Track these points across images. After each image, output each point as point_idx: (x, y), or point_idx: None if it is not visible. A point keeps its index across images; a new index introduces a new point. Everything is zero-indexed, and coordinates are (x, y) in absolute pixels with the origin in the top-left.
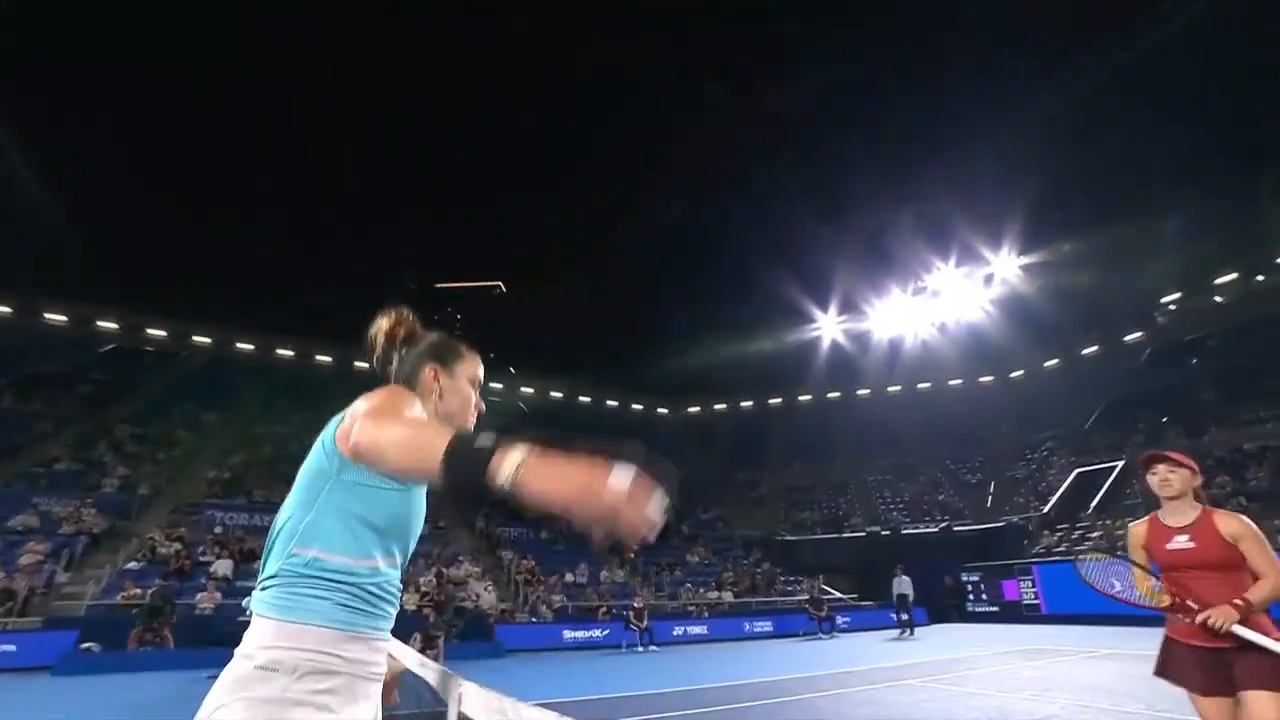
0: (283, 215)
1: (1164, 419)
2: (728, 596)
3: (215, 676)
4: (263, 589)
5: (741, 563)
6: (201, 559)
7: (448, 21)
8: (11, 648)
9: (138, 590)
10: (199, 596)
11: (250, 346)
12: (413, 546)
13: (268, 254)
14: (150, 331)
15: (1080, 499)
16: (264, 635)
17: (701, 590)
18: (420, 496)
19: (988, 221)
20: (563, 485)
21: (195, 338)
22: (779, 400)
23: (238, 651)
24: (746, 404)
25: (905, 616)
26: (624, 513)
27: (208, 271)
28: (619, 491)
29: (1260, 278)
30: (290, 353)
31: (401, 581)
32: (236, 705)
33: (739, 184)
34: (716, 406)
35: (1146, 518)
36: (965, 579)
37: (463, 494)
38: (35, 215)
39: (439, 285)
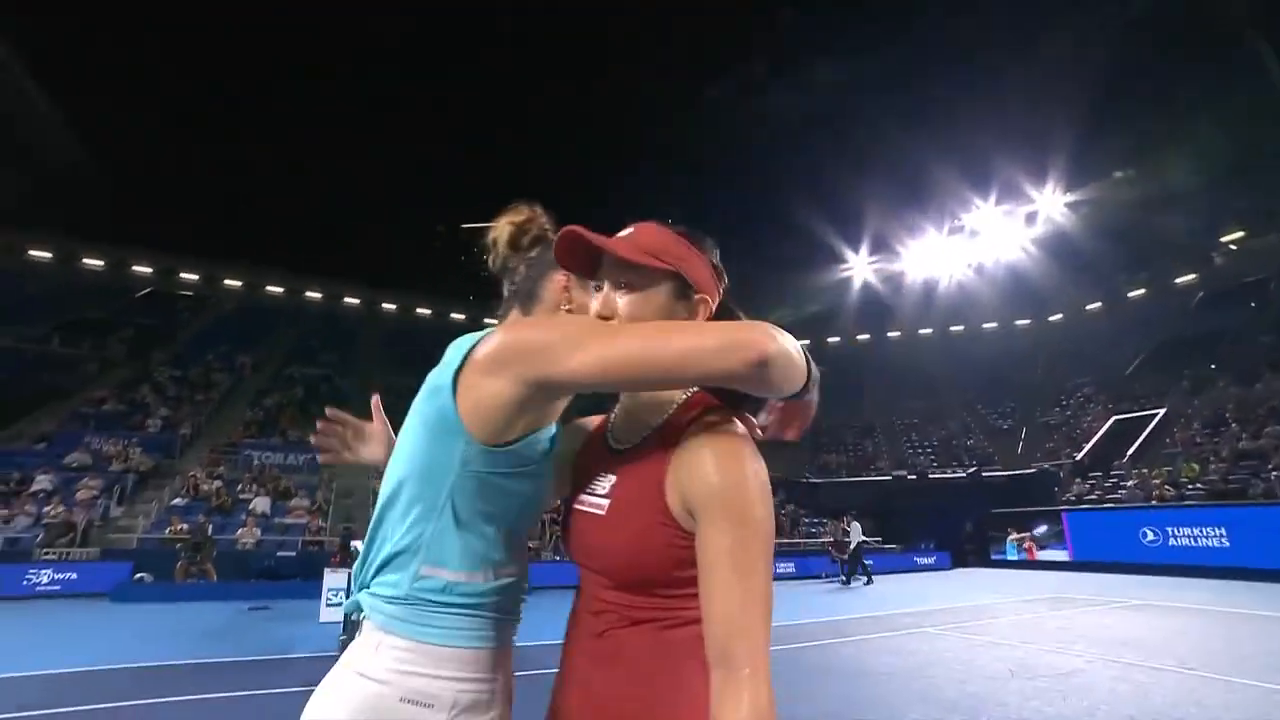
0: (306, 157)
1: (1213, 365)
2: None
3: (256, 609)
4: (388, 601)
5: None
6: (241, 496)
7: None
8: (73, 575)
9: (184, 525)
10: (239, 532)
11: (280, 289)
12: None
13: (294, 196)
14: (184, 275)
15: (1116, 447)
16: (402, 658)
17: None
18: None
19: (1032, 156)
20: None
21: (227, 281)
22: (807, 341)
23: (353, 666)
24: None
25: (859, 566)
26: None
27: (236, 213)
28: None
29: None
30: (319, 295)
31: None
32: None
33: (767, 120)
34: None
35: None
36: (992, 525)
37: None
38: (63, 157)
39: (467, 225)
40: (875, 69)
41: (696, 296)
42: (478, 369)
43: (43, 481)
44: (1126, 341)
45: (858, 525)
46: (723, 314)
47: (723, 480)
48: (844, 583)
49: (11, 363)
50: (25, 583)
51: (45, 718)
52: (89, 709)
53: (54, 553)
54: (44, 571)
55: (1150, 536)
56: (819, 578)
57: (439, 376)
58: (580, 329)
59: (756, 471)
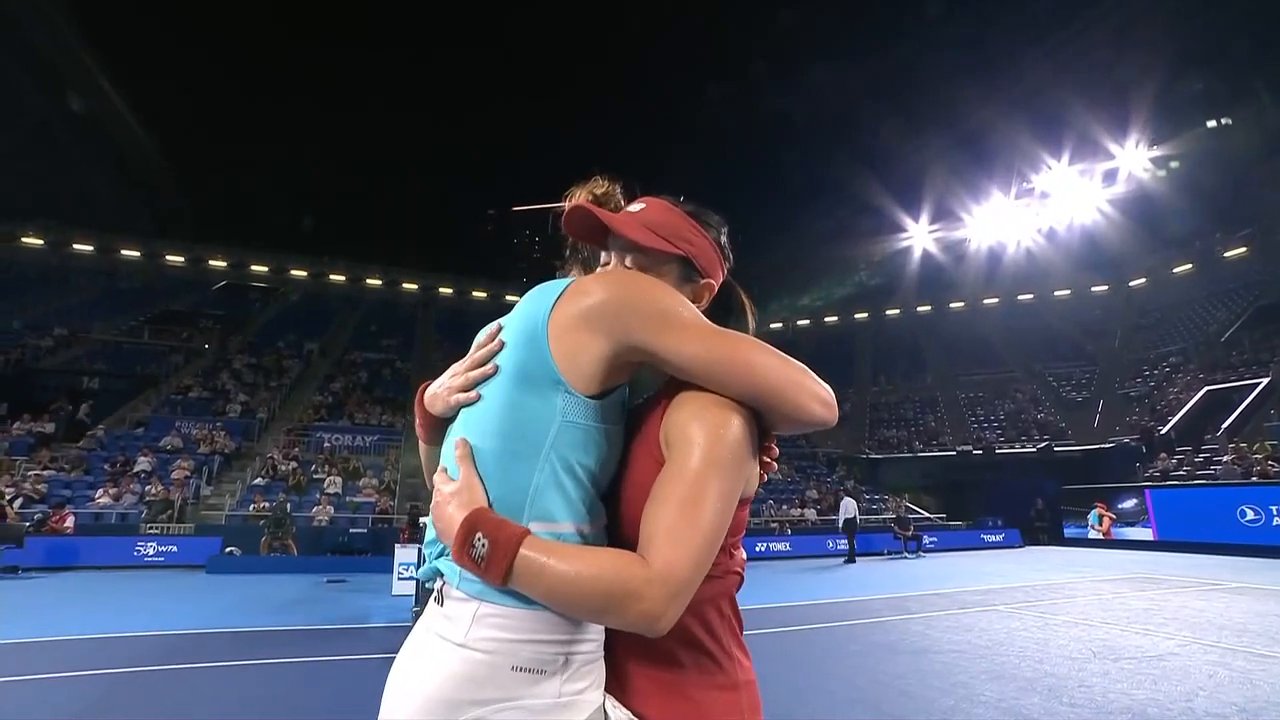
0: (362, 151)
1: None
2: (811, 514)
3: (334, 581)
4: None
5: (825, 480)
6: (315, 476)
7: None
8: (174, 548)
9: (265, 503)
10: (314, 510)
11: (341, 278)
12: None
13: (351, 188)
14: (254, 267)
15: (1209, 419)
16: (508, 625)
17: (784, 507)
18: None
19: (1111, 109)
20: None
21: (293, 271)
22: (865, 315)
23: (448, 637)
24: (831, 319)
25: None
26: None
27: (298, 206)
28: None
29: None
30: (378, 281)
31: None
32: (508, 716)
33: (820, 84)
34: (800, 322)
35: None
36: (1066, 501)
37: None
38: (147, 166)
39: (519, 208)
40: (934, 23)
41: (702, 281)
42: (573, 321)
43: (143, 463)
44: (1220, 305)
45: (850, 501)
46: (726, 294)
47: (700, 404)
48: (849, 560)
49: (112, 355)
50: (136, 553)
51: (157, 673)
52: (194, 667)
53: (157, 527)
54: (150, 544)
55: (1251, 515)
56: (880, 554)
57: (527, 324)
58: (697, 314)
59: (729, 419)
